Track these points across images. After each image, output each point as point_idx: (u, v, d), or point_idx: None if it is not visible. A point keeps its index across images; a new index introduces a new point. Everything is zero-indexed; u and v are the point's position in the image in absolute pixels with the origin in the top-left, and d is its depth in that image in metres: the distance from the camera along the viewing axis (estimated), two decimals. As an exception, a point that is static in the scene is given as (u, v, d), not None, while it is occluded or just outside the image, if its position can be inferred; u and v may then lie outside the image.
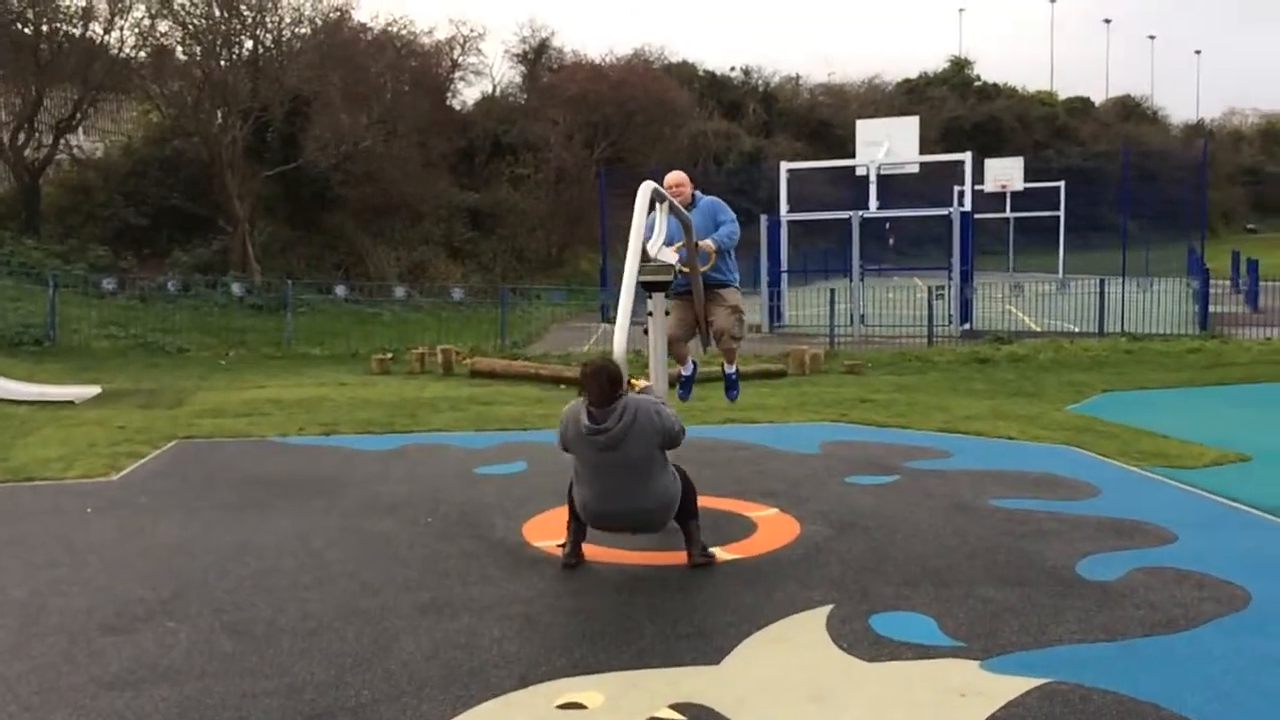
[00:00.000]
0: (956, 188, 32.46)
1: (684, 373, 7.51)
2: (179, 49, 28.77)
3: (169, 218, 27.85)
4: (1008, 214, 43.30)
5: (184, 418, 10.59)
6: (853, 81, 62.46)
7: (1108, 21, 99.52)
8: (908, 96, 59.92)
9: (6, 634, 4.55)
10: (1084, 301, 21.56)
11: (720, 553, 5.55)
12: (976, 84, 66.85)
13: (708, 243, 6.90)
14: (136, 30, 27.37)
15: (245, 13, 28.12)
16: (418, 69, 38.11)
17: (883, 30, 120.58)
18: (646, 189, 6.01)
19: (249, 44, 28.87)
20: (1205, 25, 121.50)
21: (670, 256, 6.27)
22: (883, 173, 26.11)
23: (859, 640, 4.36)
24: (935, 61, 76.77)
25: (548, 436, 9.30)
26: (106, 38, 27.07)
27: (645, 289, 6.02)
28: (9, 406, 11.33)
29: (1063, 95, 71.23)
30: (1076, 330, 20.39)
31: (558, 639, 4.45)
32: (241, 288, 23.26)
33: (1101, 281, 21.13)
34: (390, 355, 16.25)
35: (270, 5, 28.61)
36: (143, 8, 26.79)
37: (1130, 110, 71.92)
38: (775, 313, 23.88)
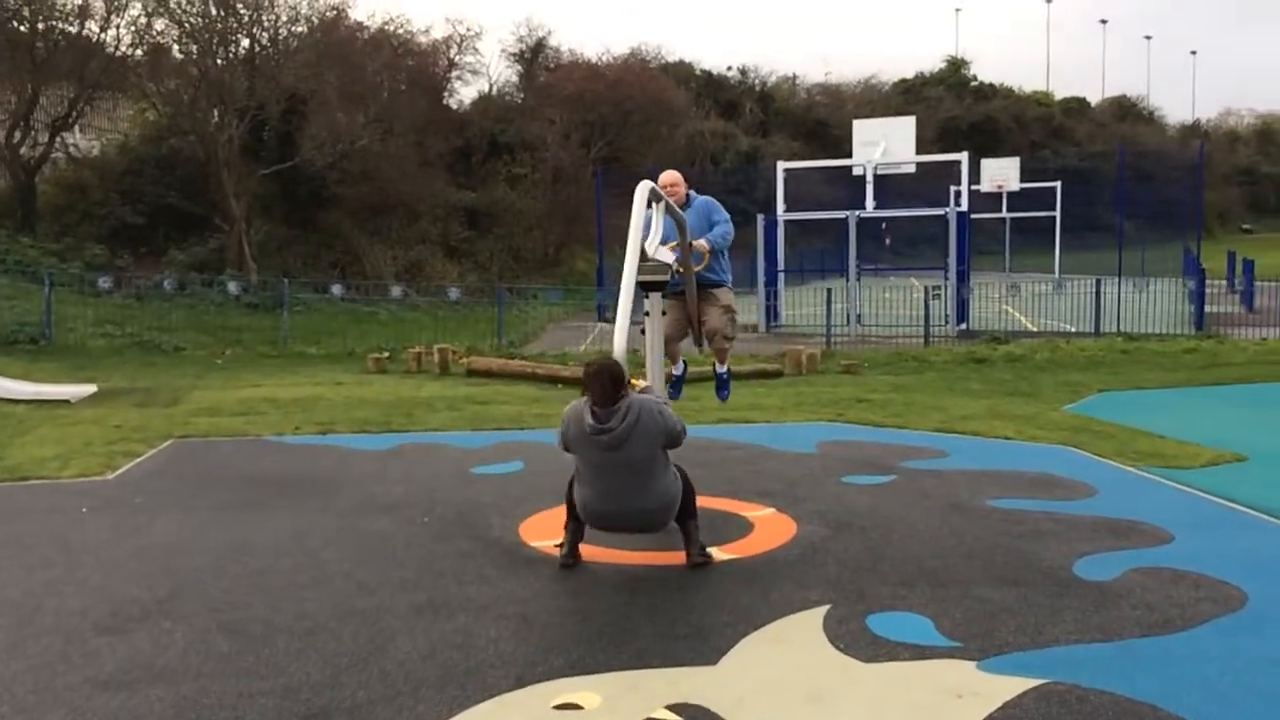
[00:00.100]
0: (953, 188, 32.49)
1: (675, 372, 7.51)
2: (175, 47, 28.75)
3: (165, 216, 27.80)
4: (1004, 214, 43.35)
5: (180, 417, 10.57)
6: (849, 81, 62.64)
7: (1104, 22, 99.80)
8: (904, 96, 59.99)
9: (1, 634, 4.53)
10: (1080, 301, 21.57)
11: (717, 553, 5.55)
12: (973, 84, 66.96)
13: (701, 242, 6.89)
14: (133, 28, 27.35)
15: (241, 11, 28.09)
16: (414, 68, 38.09)
17: (879, 30, 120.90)
18: (644, 188, 6.01)
19: (245, 42, 28.84)
20: (1201, 26, 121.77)
21: (667, 256, 6.28)
22: (879, 173, 26.15)
23: (856, 640, 4.36)
24: (932, 61, 76.82)
25: (544, 436, 9.31)
26: (102, 36, 27.04)
27: (643, 288, 6.02)
28: (5, 405, 11.30)
29: (1059, 95, 71.40)
30: (1073, 330, 20.41)
31: (555, 639, 4.45)
32: (238, 286, 23.22)
33: (1098, 281, 21.16)
34: (387, 354, 16.22)
35: (267, 4, 28.58)
36: (139, 6, 26.78)
37: (1126, 110, 72.05)
38: (772, 312, 23.89)
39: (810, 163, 34.28)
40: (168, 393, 12.50)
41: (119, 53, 27.27)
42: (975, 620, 4.57)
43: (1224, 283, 29.64)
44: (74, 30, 26.56)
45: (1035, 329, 21.29)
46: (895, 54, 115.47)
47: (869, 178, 25.47)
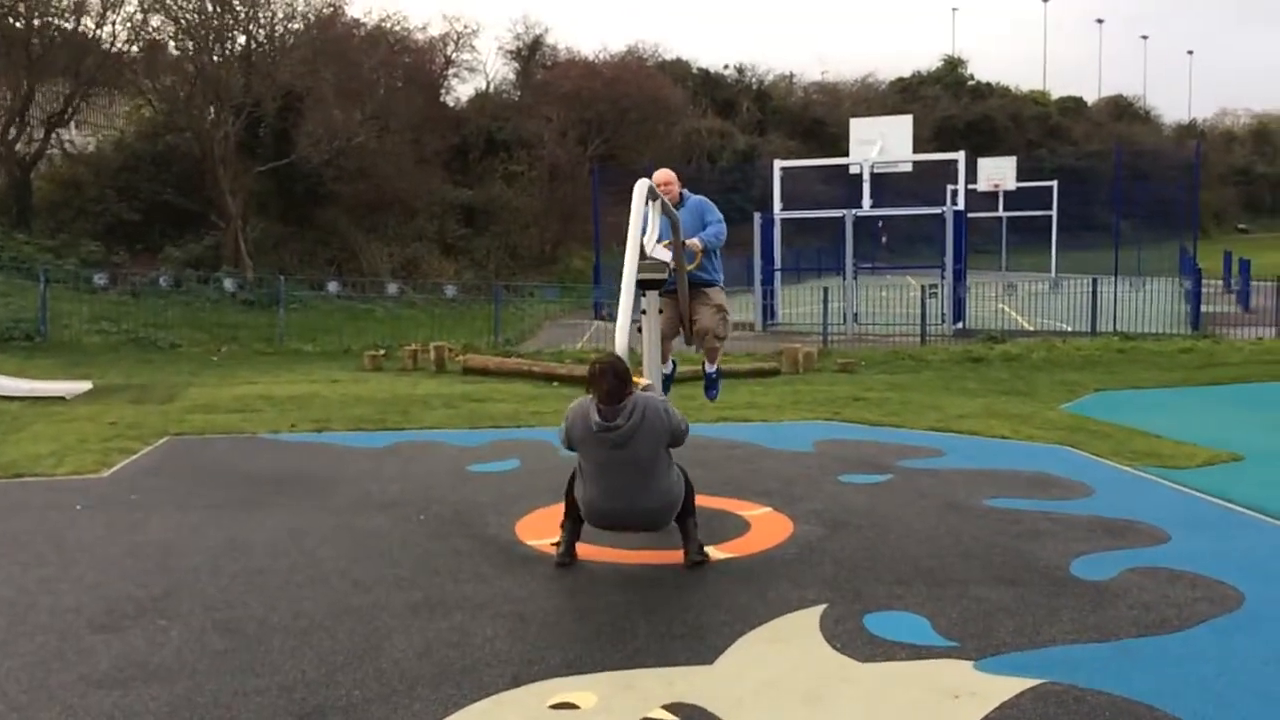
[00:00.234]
0: (949, 187, 32.52)
1: (664, 371, 7.51)
2: (171, 44, 28.69)
3: (161, 213, 27.74)
4: (1000, 213, 43.39)
5: (175, 414, 10.55)
6: (846, 80, 62.63)
7: (1100, 21, 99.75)
8: (901, 95, 60.00)
9: (-5, 632, 4.52)
10: (1077, 301, 21.59)
11: (714, 552, 5.54)
12: (970, 83, 66.98)
13: (694, 241, 6.89)
14: (128, 25, 27.27)
15: (238, 8, 28.02)
16: (411, 65, 38.05)
17: (876, 29, 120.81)
18: (642, 186, 6.00)
19: (241, 39, 28.77)
20: (1198, 26, 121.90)
21: (664, 254, 6.27)
22: (876, 171, 26.15)
23: (853, 640, 4.35)
24: (929, 60, 76.88)
25: (541, 434, 9.30)
26: (98, 32, 26.95)
27: (640, 286, 6.01)
28: (-1, 402, 11.28)
29: (1055, 95, 71.44)
30: (1069, 330, 20.42)
31: (551, 638, 4.43)
32: (234, 283, 23.18)
33: (1094, 281, 21.19)
34: (383, 352, 16.20)
35: (263, 1, 28.54)
36: (135, 2, 26.70)
37: (1123, 110, 72.13)
38: (769, 311, 23.88)
39: (807, 161, 34.27)
40: (163, 390, 12.48)
41: (115, 49, 27.20)
42: (972, 620, 4.56)
43: (1220, 282, 29.68)
44: (69, 26, 26.49)
45: (1032, 328, 21.30)
46: (892, 53, 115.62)
47: (866, 176, 25.47)
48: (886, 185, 32.00)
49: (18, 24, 25.59)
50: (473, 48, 46.27)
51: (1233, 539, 5.84)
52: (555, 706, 3.76)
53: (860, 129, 27.38)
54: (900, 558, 5.50)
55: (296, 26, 30.18)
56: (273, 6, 28.96)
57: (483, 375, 14.42)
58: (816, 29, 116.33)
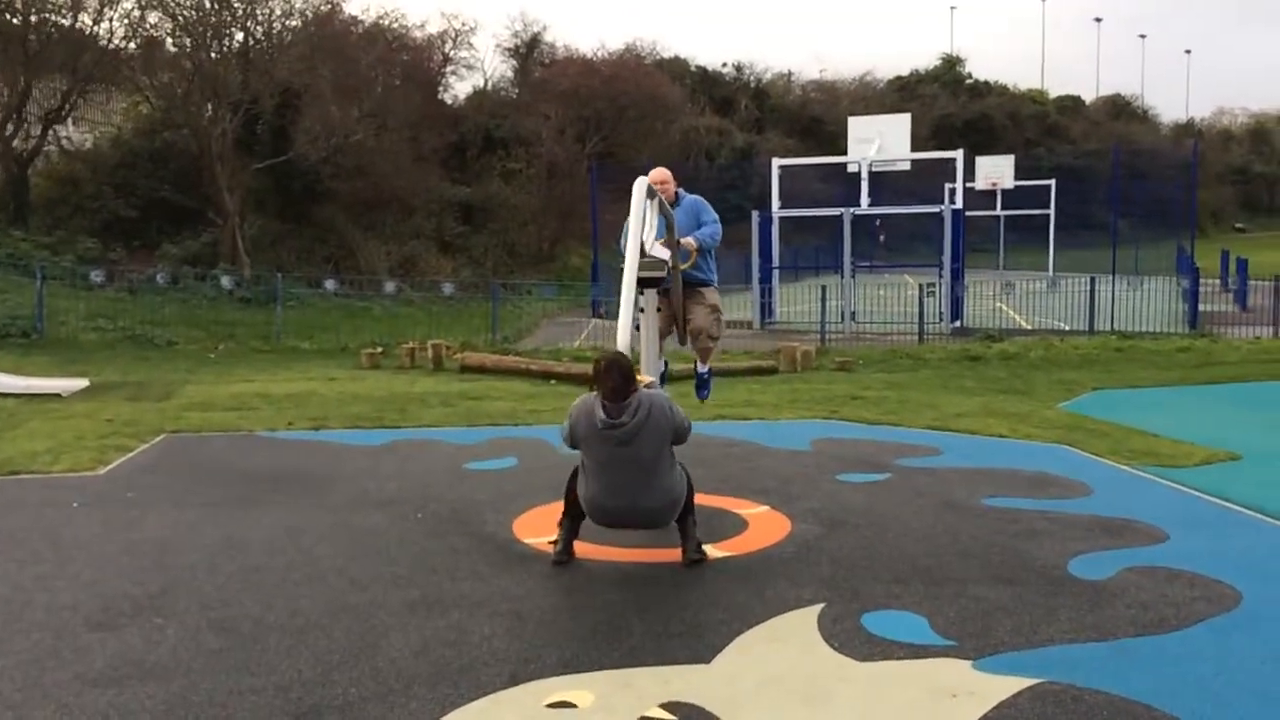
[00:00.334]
0: (948, 185, 32.52)
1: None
2: (169, 40, 28.63)
3: (158, 210, 27.70)
4: (998, 212, 43.36)
5: (172, 411, 10.53)
6: (844, 78, 62.63)
7: (1099, 20, 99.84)
8: (899, 94, 59.98)
9: (-9, 630, 4.51)
10: (1074, 300, 21.59)
11: (712, 550, 5.53)
12: (968, 82, 66.98)
13: (689, 240, 6.88)
14: (126, 21, 27.21)
15: (235, 4, 27.96)
16: (409, 62, 38.00)
17: (874, 28, 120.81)
18: (642, 183, 6.00)
19: (239, 36, 28.72)
20: (1195, 25, 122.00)
21: (663, 252, 6.27)
22: (874, 170, 26.12)
23: (850, 639, 4.34)
24: (927, 59, 76.84)
25: (538, 432, 9.29)
26: (95, 29, 26.90)
27: (639, 285, 6.00)
28: (-5, 399, 11.25)
29: (1054, 93, 71.46)
30: (1067, 328, 20.42)
31: (548, 637, 4.43)
32: (231, 281, 23.15)
33: (1091, 280, 21.18)
34: (380, 350, 16.18)
35: (261, -3, 28.49)
36: (132, -1, 26.65)
37: (1120, 109, 72.14)
38: (766, 309, 23.87)
39: (805, 160, 34.25)
40: (160, 387, 12.46)
41: (112, 45, 27.15)
42: (970, 619, 4.56)
43: (1217, 281, 29.70)
44: (67, 23, 26.43)
45: (1029, 327, 21.30)
46: (890, 51, 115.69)
47: (864, 175, 25.45)
48: (884, 184, 31.98)
49: (15, 20, 25.53)
50: (470, 45, 46.34)
51: (1231, 538, 5.84)
52: (552, 705, 3.75)
53: (858, 127, 27.35)
54: (898, 557, 5.50)
55: (294, 23, 30.15)
56: (270, 3, 28.93)
57: (480, 373, 14.41)
58: (815, 27, 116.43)
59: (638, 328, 6.41)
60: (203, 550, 5.67)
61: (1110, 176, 38.81)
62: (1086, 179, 48.91)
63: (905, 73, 66.83)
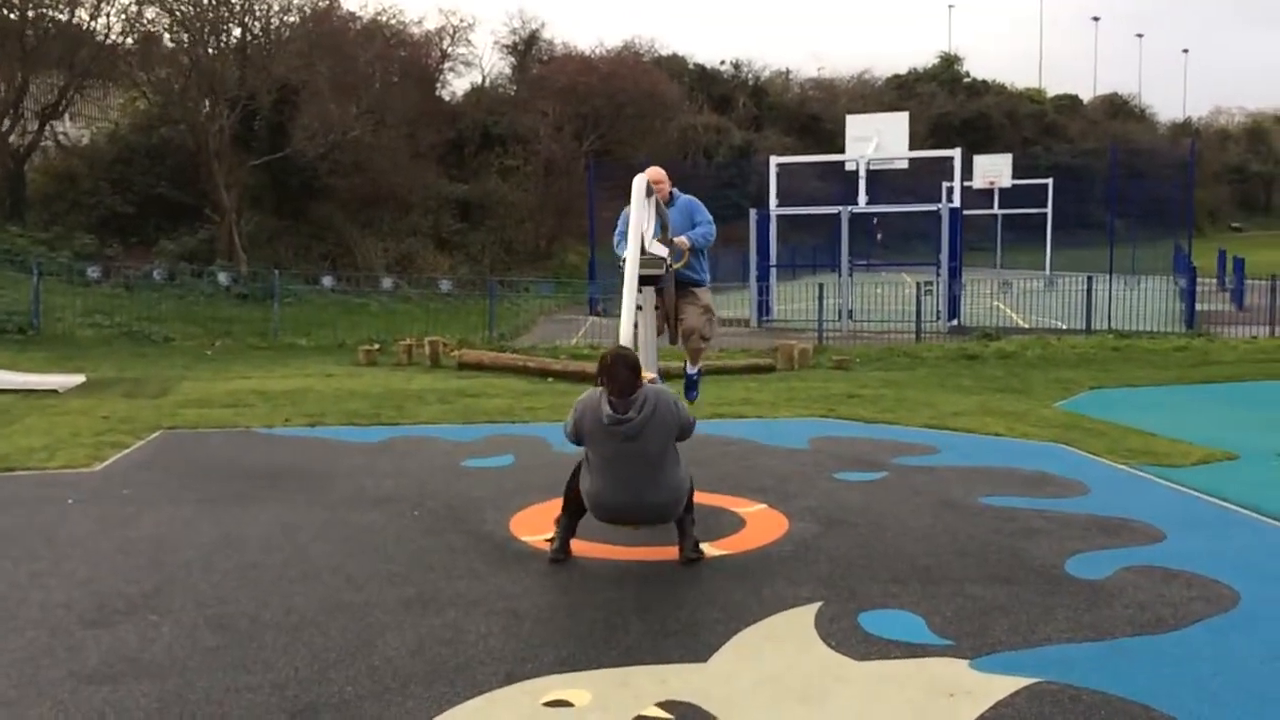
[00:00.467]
0: (945, 184, 32.52)
1: None
2: (166, 36, 28.59)
3: (155, 206, 27.67)
4: (996, 211, 43.38)
5: (168, 408, 10.52)
6: (842, 76, 62.62)
7: (1096, 19, 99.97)
8: (897, 92, 59.97)
9: (-15, 627, 4.49)
10: (1071, 299, 21.60)
11: (709, 548, 5.52)
12: (966, 80, 66.97)
13: (683, 239, 6.88)
14: (123, 17, 27.20)
15: (233, 0, 27.94)
16: (407, 59, 37.98)
17: (872, 26, 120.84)
18: (641, 181, 6.00)
19: (237, 32, 28.68)
20: (1193, 25, 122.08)
21: (661, 249, 6.27)
22: (872, 168, 26.12)
23: (848, 638, 4.34)
24: (925, 57, 76.85)
25: (536, 430, 9.28)
26: (93, 24, 26.87)
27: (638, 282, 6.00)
28: (-9, 395, 11.23)
29: (1051, 92, 71.48)
30: (1064, 327, 20.43)
31: (545, 635, 4.42)
32: (228, 277, 23.12)
33: (1089, 279, 21.18)
34: (377, 346, 16.16)
35: (258, -7, 28.44)
36: (129, -6, 26.60)
37: (1118, 108, 72.16)
38: (764, 307, 23.87)
39: (803, 158, 34.24)
40: (156, 384, 12.44)
41: (109, 41, 27.13)
42: (967, 618, 4.55)
43: (1214, 281, 29.72)
44: (64, 18, 26.39)
45: (1027, 326, 21.31)
46: (888, 50, 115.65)
47: (862, 173, 25.44)
48: (882, 182, 32.00)
49: (12, 15, 25.48)
50: (468, 42, 46.15)
51: (1228, 538, 5.84)
52: (549, 704, 3.74)
53: (856, 125, 27.34)
54: (895, 555, 5.49)
55: (292, 19, 30.14)
56: (268, -1, 28.90)
57: (477, 370, 14.39)
58: (813, 25, 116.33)
59: (635, 325, 6.40)
60: (198, 547, 5.66)
61: (1108, 176, 38.82)
62: (1084, 178, 48.93)
63: (903, 71, 66.86)
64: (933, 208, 25.89)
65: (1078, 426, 9.54)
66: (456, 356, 15.15)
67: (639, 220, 5.78)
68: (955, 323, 21.83)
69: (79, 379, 12.44)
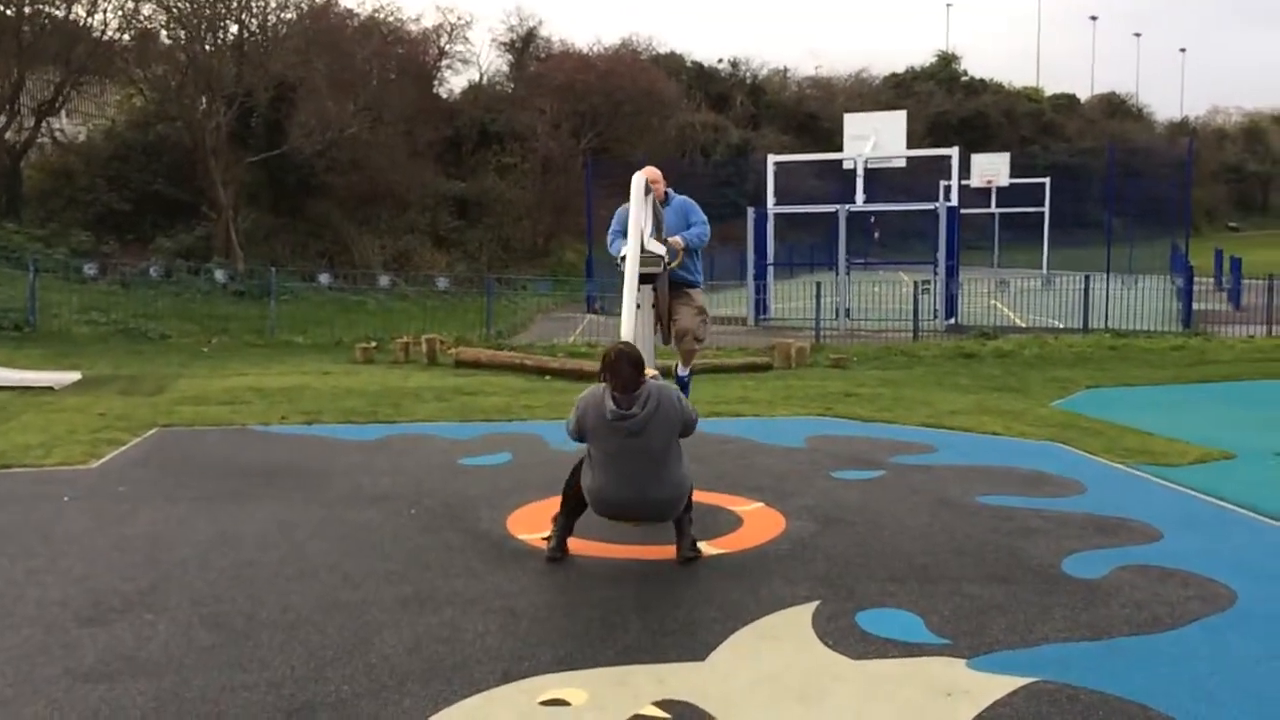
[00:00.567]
0: (943, 183, 32.53)
1: None
2: (163, 32, 28.57)
3: (152, 203, 27.64)
4: (993, 209, 43.40)
5: (165, 405, 10.50)
6: (840, 75, 62.64)
7: (1094, 18, 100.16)
8: (895, 91, 59.99)
9: (-19, 625, 4.48)
10: (1068, 298, 21.62)
11: (706, 547, 5.52)
12: (963, 79, 67.00)
13: (676, 239, 6.87)
14: (120, 13, 27.17)
15: (230, -3, 27.92)
16: (404, 56, 37.95)
17: (870, 24, 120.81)
18: (640, 178, 5.99)
19: (234, 29, 28.66)
20: (1190, 24, 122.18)
21: (659, 247, 6.26)
22: (870, 166, 26.13)
23: (845, 637, 4.33)
24: (922, 56, 76.94)
25: (533, 427, 9.27)
26: (89, 20, 26.84)
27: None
28: (-13, 392, 11.20)
29: (1049, 91, 71.52)
30: (1061, 326, 20.45)
31: (542, 634, 4.41)
32: (225, 274, 23.09)
33: (1086, 278, 21.20)
34: (374, 344, 16.14)
35: (256, -11, 28.41)
36: (126, -10, 26.56)
37: (1115, 107, 72.22)
38: (761, 305, 23.87)
39: (800, 156, 34.23)
40: (153, 381, 12.41)
41: (106, 37, 27.09)
42: (964, 617, 4.55)
43: (1211, 280, 29.75)
44: (60, 14, 26.36)
45: (1024, 325, 21.32)
46: (886, 48, 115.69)
47: (859, 172, 25.45)
48: (880, 181, 32.02)
49: (9, 11, 25.44)
50: (466, 39, 46.25)
51: (1225, 537, 5.83)
52: (546, 703, 3.73)
53: (854, 124, 27.35)
54: (892, 554, 5.49)
55: (289, 16, 30.13)
56: (265, -4, 28.86)
57: (474, 368, 14.38)
58: (810, 24, 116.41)
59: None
60: (195, 545, 5.64)
61: (1105, 175, 38.86)
62: (1081, 177, 48.98)
63: (901, 70, 66.89)
64: (930, 206, 25.89)
65: (1074, 426, 9.54)
66: (454, 354, 15.14)
67: (639, 216, 5.78)
68: (952, 322, 21.84)
69: (75, 376, 12.42)
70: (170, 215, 27.47)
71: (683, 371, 7.57)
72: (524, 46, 45.99)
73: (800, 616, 4.57)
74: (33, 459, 7.82)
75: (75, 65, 26.14)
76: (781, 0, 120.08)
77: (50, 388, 11.63)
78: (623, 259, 6.29)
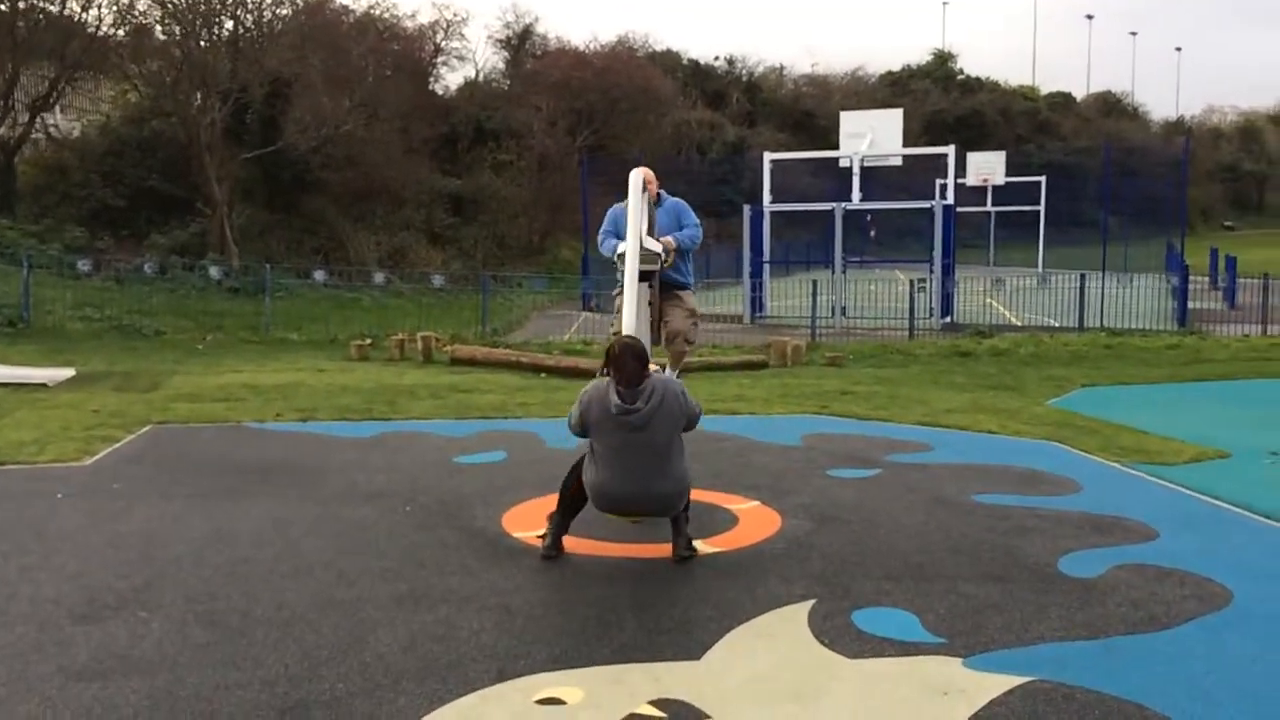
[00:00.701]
0: (939, 181, 32.54)
1: None
2: (158, 28, 28.49)
3: (146, 199, 27.57)
4: (989, 208, 43.43)
5: (159, 402, 10.47)
6: (836, 73, 62.75)
7: (1090, 17, 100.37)
8: (891, 89, 60.06)
9: (-26, 622, 4.46)
10: (1064, 296, 21.64)
11: (702, 546, 5.50)
12: (959, 77, 67.08)
13: (668, 240, 6.87)
14: (114, 8, 27.09)
15: (226, -8, 27.85)
16: (400, 53, 37.91)
17: (866, 22, 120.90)
18: (638, 176, 5.98)
19: (229, 24, 28.59)
20: (1186, 23, 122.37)
21: (656, 245, 6.25)
22: (866, 165, 26.17)
23: (841, 636, 4.32)
24: (919, 54, 76.96)
25: (528, 425, 9.26)
26: (84, 16, 26.76)
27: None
28: (-19, 388, 11.17)
29: (1045, 90, 71.66)
30: (1056, 325, 20.47)
31: (537, 632, 4.40)
32: (219, 271, 23.05)
33: (1081, 277, 21.23)
34: (369, 341, 16.11)
35: (251, -15, 28.34)
36: (122, -15, 26.48)
37: (1111, 106, 72.38)
38: (757, 303, 23.88)
39: (797, 154, 34.28)
40: (147, 378, 12.38)
41: (100, 33, 27.02)
42: (960, 616, 4.54)
43: (1206, 279, 29.80)
44: (55, 9, 26.28)
45: (1019, 323, 21.35)
46: (882, 46, 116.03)
47: (855, 170, 25.48)
48: (876, 179, 32.03)
49: (3, 6, 25.36)
50: (462, 36, 46.19)
51: (1221, 536, 5.83)
52: (541, 702, 3.72)
53: (850, 122, 27.40)
54: (888, 553, 5.48)
55: (285, 12, 30.07)
56: (261, -9, 28.79)
57: (470, 366, 14.36)
58: (806, 21, 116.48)
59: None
60: (189, 542, 5.62)
61: (1101, 173, 38.93)
62: (1077, 176, 49.03)
63: (897, 68, 66.99)
64: (926, 205, 25.91)
65: (1070, 424, 9.54)
66: (449, 352, 15.12)
67: (638, 211, 5.77)
68: (948, 320, 21.86)
69: (69, 373, 12.39)
70: (165, 211, 27.42)
71: (672, 373, 7.56)
72: (520, 43, 45.98)
73: (796, 615, 4.57)
74: (26, 456, 7.79)
75: (70, 61, 26.06)
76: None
77: (44, 384, 11.59)
78: (619, 257, 6.28)
